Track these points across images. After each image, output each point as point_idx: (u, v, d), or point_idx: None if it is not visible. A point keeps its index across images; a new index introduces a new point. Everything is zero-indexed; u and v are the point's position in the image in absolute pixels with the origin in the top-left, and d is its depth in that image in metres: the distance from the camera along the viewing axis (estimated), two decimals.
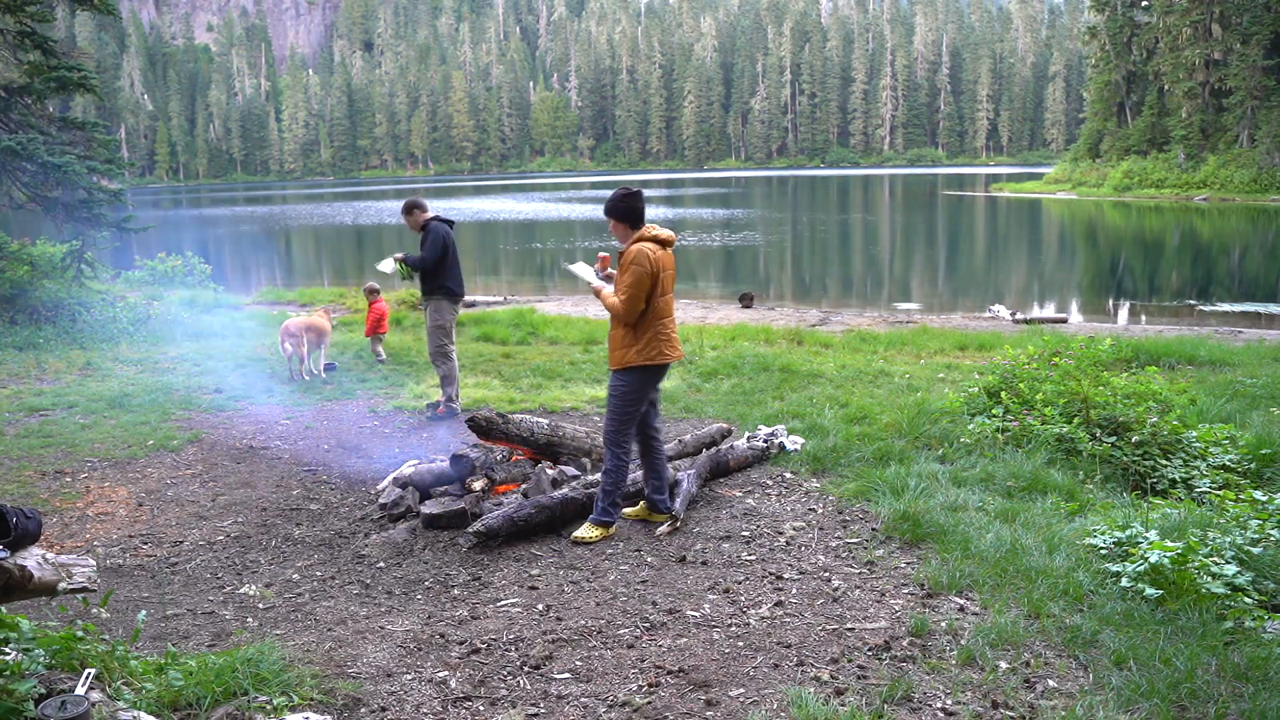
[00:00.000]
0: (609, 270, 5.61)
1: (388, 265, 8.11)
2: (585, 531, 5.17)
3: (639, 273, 5.02)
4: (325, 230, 45.37)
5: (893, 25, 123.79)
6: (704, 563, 4.79)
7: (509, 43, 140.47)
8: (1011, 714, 3.29)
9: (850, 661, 3.69)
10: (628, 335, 5.16)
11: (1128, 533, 4.57)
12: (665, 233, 5.22)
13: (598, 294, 5.28)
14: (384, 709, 3.41)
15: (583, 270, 5.58)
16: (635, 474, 5.75)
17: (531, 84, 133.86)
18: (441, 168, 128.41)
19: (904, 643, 3.82)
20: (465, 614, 4.25)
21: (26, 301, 12.78)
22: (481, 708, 3.43)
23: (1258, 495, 4.92)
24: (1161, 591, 4.02)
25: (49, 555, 3.11)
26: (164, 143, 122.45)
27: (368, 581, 4.77)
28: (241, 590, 4.65)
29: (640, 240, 5.14)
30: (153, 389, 9.28)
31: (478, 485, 5.64)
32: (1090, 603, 4.07)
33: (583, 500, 5.44)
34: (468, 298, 19.32)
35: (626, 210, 5.18)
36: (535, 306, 16.67)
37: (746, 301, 18.03)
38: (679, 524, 5.30)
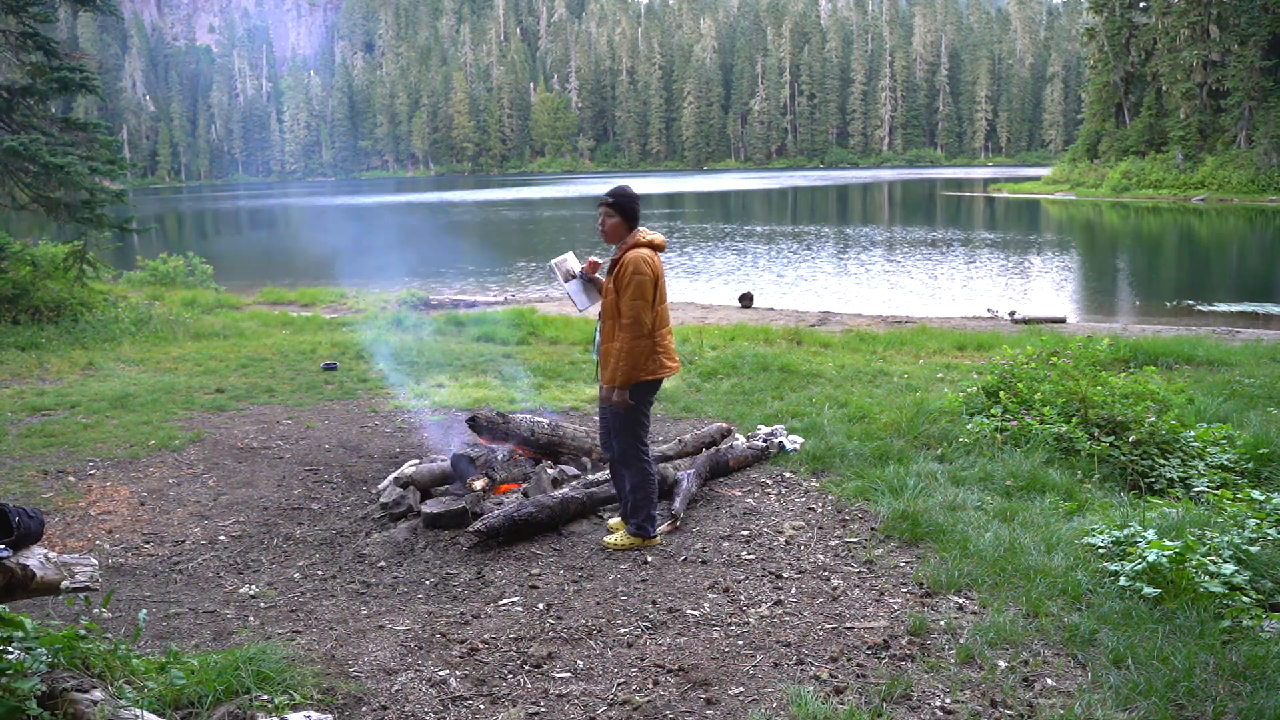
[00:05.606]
0: (598, 275, 5.21)
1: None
2: (621, 539, 5.03)
3: (642, 281, 4.74)
4: (328, 227, 45.37)
5: (891, 26, 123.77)
6: (704, 562, 4.81)
7: (509, 44, 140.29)
8: (1010, 713, 3.30)
9: (849, 660, 3.71)
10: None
11: (1126, 532, 4.58)
12: (658, 237, 4.96)
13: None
14: (385, 707, 3.43)
15: (574, 263, 5.24)
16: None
17: (532, 85, 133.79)
18: (442, 168, 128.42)
19: (903, 641, 3.83)
20: (466, 613, 4.27)
21: (29, 302, 12.81)
22: (482, 706, 3.44)
23: (1255, 494, 4.95)
24: (1159, 590, 4.04)
25: (51, 554, 3.12)
26: (166, 143, 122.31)
27: (369, 581, 4.79)
28: (243, 589, 4.66)
29: (637, 246, 4.85)
30: (154, 389, 9.29)
31: (479, 485, 5.66)
32: (1088, 602, 4.09)
33: (583, 500, 5.45)
34: (467, 298, 19.42)
35: (633, 210, 4.89)
36: (535, 307, 16.69)
37: (746, 301, 18.05)
38: (679, 523, 5.31)
